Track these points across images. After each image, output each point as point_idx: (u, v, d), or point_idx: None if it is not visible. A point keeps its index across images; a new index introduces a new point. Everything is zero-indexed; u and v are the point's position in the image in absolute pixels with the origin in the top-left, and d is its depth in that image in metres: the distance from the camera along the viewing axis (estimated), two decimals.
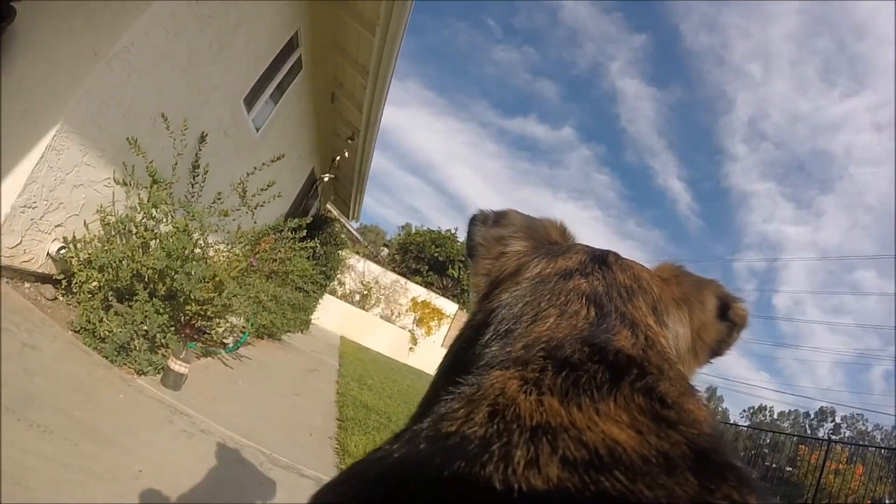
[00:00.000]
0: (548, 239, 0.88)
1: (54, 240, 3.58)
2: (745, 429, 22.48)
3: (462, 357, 0.63)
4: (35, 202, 3.31)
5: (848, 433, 55.74)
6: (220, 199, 4.54)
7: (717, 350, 0.83)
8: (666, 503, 0.36)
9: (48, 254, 3.57)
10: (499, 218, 0.92)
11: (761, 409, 64.79)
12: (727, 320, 0.83)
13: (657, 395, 0.48)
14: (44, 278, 3.68)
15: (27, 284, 3.54)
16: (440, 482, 0.38)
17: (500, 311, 0.66)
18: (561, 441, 0.41)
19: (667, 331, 0.69)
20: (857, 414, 59.41)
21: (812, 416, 62.06)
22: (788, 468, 15.72)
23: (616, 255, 0.80)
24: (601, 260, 0.75)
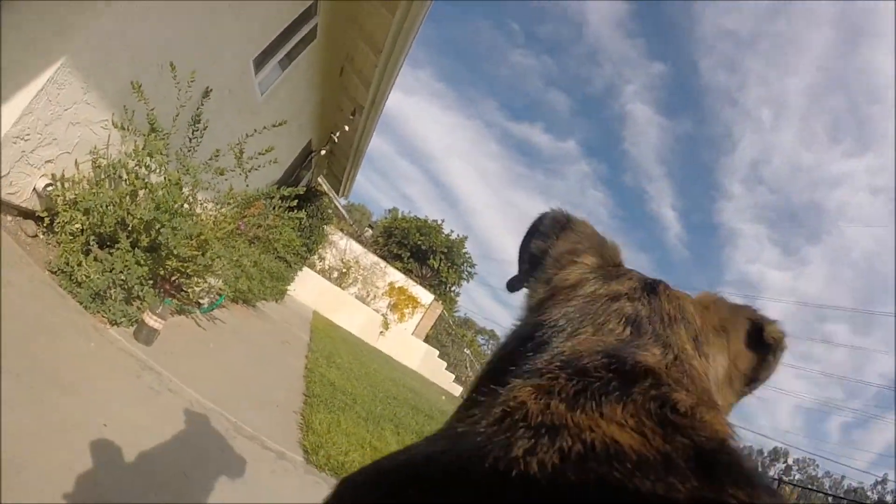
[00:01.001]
0: (615, 261, 0.87)
1: (42, 175, 3.47)
2: None
3: (500, 366, 0.63)
4: (28, 134, 3.20)
5: (798, 476, 56.91)
6: (216, 156, 4.45)
7: (754, 377, 0.82)
8: (662, 494, 0.36)
9: (34, 189, 3.47)
10: (574, 227, 0.89)
11: None
12: (762, 343, 0.81)
13: (669, 402, 0.49)
14: (27, 213, 3.57)
15: (9, 217, 3.43)
16: (447, 476, 0.40)
17: (545, 326, 0.67)
18: (560, 437, 0.42)
19: (705, 360, 0.69)
20: (810, 458, 60.74)
21: (766, 454, 63.26)
22: None
23: (666, 285, 0.79)
24: (651, 288, 0.75)
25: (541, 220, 0.91)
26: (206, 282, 5.10)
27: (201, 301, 5.32)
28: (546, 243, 0.87)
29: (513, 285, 0.93)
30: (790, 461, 61.35)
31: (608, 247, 0.88)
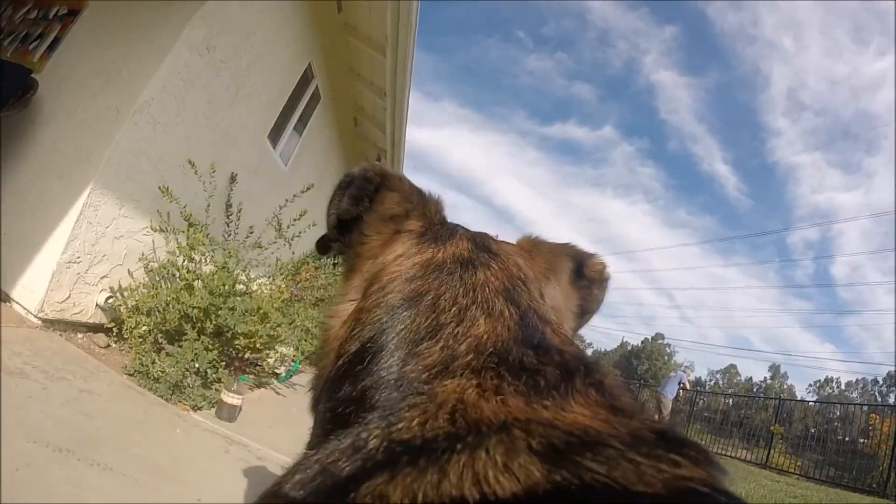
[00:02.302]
0: (439, 219, 0.82)
1: (101, 290, 3.77)
2: (813, 403, 21.37)
3: (371, 360, 0.58)
4: (79, 257, 3.50)
5: None
6: (251, 232, 4.68)
7: (583, 311, 0.84)
8: (644, 487, 0.36)
9: (97, 304, 3.76)
10: (389, 185, 0.80)
11: (828, 381, 61.97)
12: (585, 278, 0.84)
13: (605, 389, 0.50)
14: (95, 328, 3.87)
15: (80, 335, 3.73)
16: (416, 495, 0.36)
17: (407, 307, 0.63)
18: (535, 428, 0.41)
19: (556, 315, 0.69)
20: None
21: (881, 382, 58.72)
22: (861, 440, 14.90)
23: (492, 238, 0.79)
24: (486, 248, 0.73)
25: (350, 180, 0.81)
26: (277, 352, 5.32)
27: (277, 371, 5.53)
28: (359, 208, 0.79)
29: (323, 247, 0.88)
30: None
31: (431, 203, 0.83)
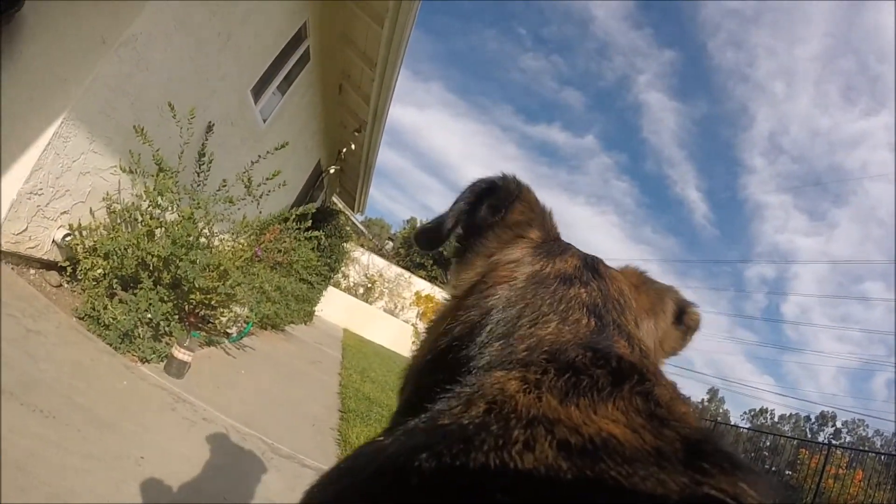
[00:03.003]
0: (554, 235, 0.86)
1: (60, 227, 3.59)
2: (745, 431, 22.39)
3: (453, 354, 0.63)
4: (41, 189, 3.32)
5: (849, 438, 55.50)
6: (224, 186, 4.54)
7: (671, 354, 0.89)
8: (653, 491, 0.36)
9: (53, 241, 3.59)
10: (522, 196, 0.84)
11: (762, 411, 64.70)
12: (682, 325, 0.88)
13: (653, 397, 0.50)
14: (49, 265, 3.69)
15: (32, 271, 3.56)
16: (439, 469, 0.38)
17: (498, 311, 0.66)
18: (557, 429, 0.42)
19: (648, 342, 0.74)
20: (859, 419, 59.14)
21: (813, 419, 61.83)
22: (788, 472, 15.69)
23: (603, 263, 0.81)
24: (593, 269, 0.76)
25: (489, 188, 0.82)
26: (231, 311, 5.20)
27: (229, 331, 5.42)
28: (495, 217, 0.82)
29: (430, 242, 0.85)
30: (839, 424, 59.87)
31: (549, 218, 0.87)
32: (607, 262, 0.83)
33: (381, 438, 0.48)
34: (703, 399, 68.80)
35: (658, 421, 0.45)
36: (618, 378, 0.51)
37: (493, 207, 0.82)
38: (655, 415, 0.47)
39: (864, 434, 56.47)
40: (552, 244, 0.81)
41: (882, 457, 13.56)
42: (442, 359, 0.64)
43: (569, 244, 0.84)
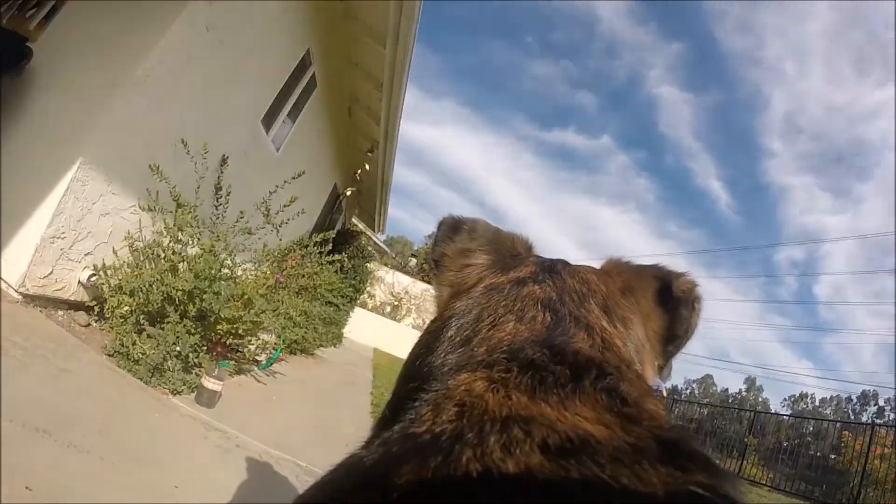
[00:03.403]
0: (512, 252, 0.88)
1: (85, 268, 3.70)
2: (786, 418, 21.81)
3: (421, 363, 0.64)
4: (64, 233, 3.43)
5: (893, 416, 53.59)
6: (242, 217, 4.62)
7: (672, 335, 0.80)
8: (640, 489, 0.36)
9: (79, 281, 3.69)
10: (466, 228, 0.92)
11: (802, 396, 63.16)
12: (673, 298, 0.79)
13: (618, 394, 0.49)
14: (76, 306, 3.79)
15: (60, 312, 3.66)
16: (419, 480, 0.37)
17: (456, 318, 0.68)
18: (534, 428, 0.41)
19: (623, 328, 0.70)
20: None
21: (854, 400, 60.06)
22: (833, 455, 15.23)
23: (565, 262, 0.82)
24: (550, 269, 0.77)
25: (438, 227, 0.95)
26: (258, 339, 5.27)
27: (258, 358, 5.48)
28: (442, 248, 0.90)
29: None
30: (881, 402, 57.94)
31: (505, 240, 0.91)
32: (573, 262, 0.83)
33: (360, 451, 0.48)
34: (740, 389, 67.27)
35: (626, 419, 0.45)
36: (575, 374, 0.51)
37: (440, 241, 0.92)
38: (623, 413, 0.46)
39: None
40: (508, 260, 0.84)
41: None
42: (413, 370, 0.66)
43: (527, 257, 0.86)
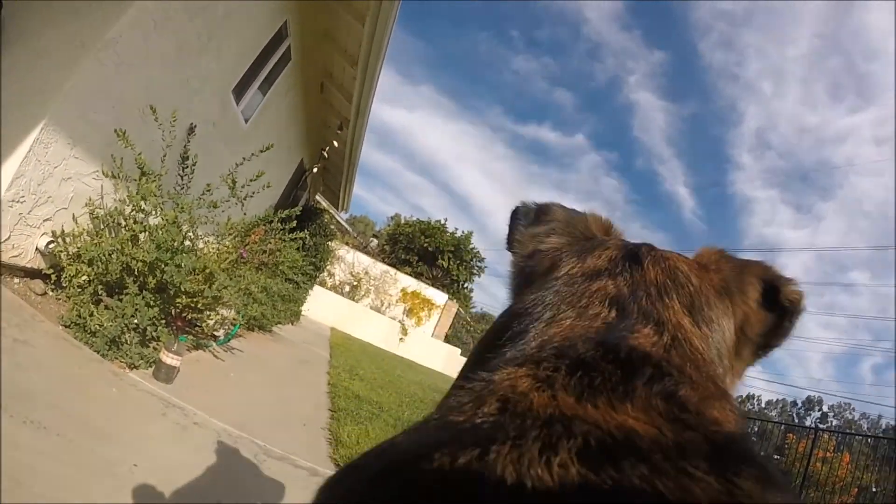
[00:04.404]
0: (587, 234, 0.84)
1: (43, 234, 3.55)
2: None
3: (480, 358, 0.61)
4: (23, 196, 3.28)
5: (835, 422, 56.44)
6: (209, 190, 4.51)
7: (765, 343, 0.74)
8: (680, 492, 0.34)
9: (37, 248, 3.55)
10: (540, 213, 0.89)
11: (749, 397, 65.55)
12: (777, 306, 0.73)
13: (677, 399, 0.46)
14: (33, 273, 3.65)
15: (16, 280, 3.52)
16: (451, 470, 0.36)
17: (522, 314, 0.64)
18: (576, 427, 0.39)
19: (708, 328, 0.64)
20: (845, 402, 60.28)
21: (799, 404, 62.88)
22: (776, 456, 15.93)
23: (650, 247, 0.74)
24: (632, 256, 0.70)
25: (511, 217, 0.92)
26: (218, 314, 5.17)
27: (216, 334, 5.39)
28: (513, 235, 0.89)
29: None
30: (825, 408, 60.97)
31: (578, 221, 0.86)
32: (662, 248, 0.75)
33: (397, 436, 0.46)
34: None
35: (681, 424, 0.42)
36: (628, 374, 0.47)
37: (512, 230, 0.90)
38: (679, 418, 0.43)
39: (850, 418, 57.54)
40: (585, 243, 0.79)
41: (869, 439, 13.84)
42: (473, 362, 0.63)
43: (609, 239, 0.81)
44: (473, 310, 28.58)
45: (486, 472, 0.35)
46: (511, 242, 0.89)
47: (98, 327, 3.36)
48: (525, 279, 0.78)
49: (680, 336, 0.58)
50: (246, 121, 6.48)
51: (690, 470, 0.36)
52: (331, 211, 14.83)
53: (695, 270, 0.70)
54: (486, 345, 0.64)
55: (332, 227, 13.02)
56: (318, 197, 14.52)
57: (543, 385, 0.46)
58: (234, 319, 5.54)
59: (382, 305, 18.81)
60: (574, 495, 0.34)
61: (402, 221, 26.31)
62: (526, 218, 0.89)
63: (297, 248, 7.78)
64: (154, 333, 3.73)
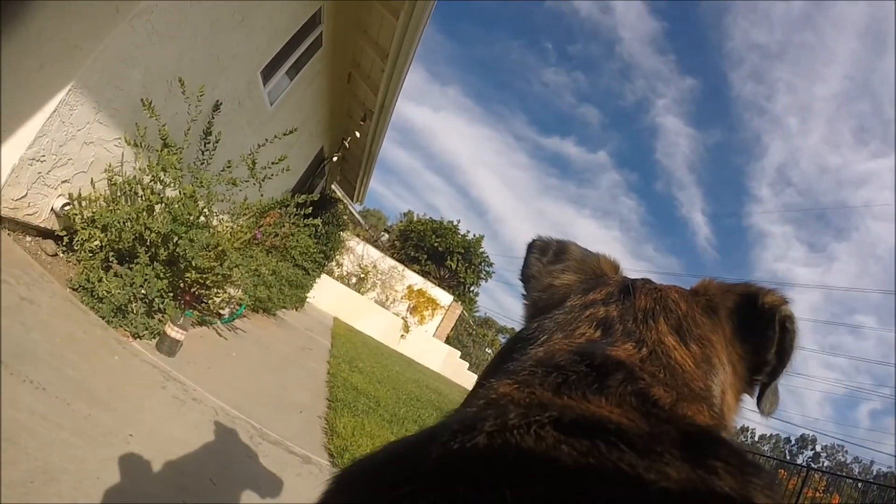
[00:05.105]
0: (597, 272, 0.89)
1: (59, 195, 3.55)
2: None
3: (482, 382, 0.66)
4: (44, 156, 3.28)
5: (827, 463, 55.84)
6: (229, 167, 4.49)
7: (760, 360, 0.71)
8: (651, 478, 0.34)
9: (52, 209, 3.54)
10: (559, 251, 0.94)
11: (743, 429, 65.12)
12: (759, 317, 0.70)
13: (649, 397, 0.49)
14: (46, 233, 3.65)
15: (29, 238, 3.51)
16: (445, 456, 0.38)
17: (524, 339, 0.69)
18: (553, 409, 0.42)
19: (697, 346, 0.65)
20: (839, 444, 59.63)
21: (793, 441, 62.22)
22: None
23: (647, 281, 0.79)
24: (627, 289, 0.74)
25: (528, 249, 0.97)
26: (225, 292, 5.16)
27: (222, 311, 5.38)
28: (529, 270, 0.94)
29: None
30: (818, 448, 60.29)
31: (591, 260, 0.92)
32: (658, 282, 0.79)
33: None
34: None
35: (655, 419, 0.44)
36: (602, 374, 0.51)
37: (528, 263, 0.95)
38: (652, 413, 0.45)
39: (842, 460, 56.89)
40: (591, 281, 0.83)
41: (859, 484, 13.69)
42: (478, 385, 0.67)
43: (614, 276, 0.86)
44: (477, 314, 28.54)
45: (474, 446, 0.38)
46: (525, 275, 0.94)
47: (106, 293, 3.35)
48: (538, 311, 0.82)
49: (659, 350, 0.61)
50: (271, 103, 6.48)
51: (665, 454, 0.37)
52: (345, 201, 14.82)
53: (685, 297, 0.74)
54: (489, 369, 0.69)
55: (345, 217, 13.03)
56: (333, 186, 14.53)
57: (522, 386, 0.51)
58: (240, 299, 5.52)
59: (387, 300, 18.80)
60: (551, 453, 0.37)
61: (415, 219, 26.34)
62: (541, 252, 0.95)
63: (310, 235, 7.78)
64: (161, 305, 3.72)
